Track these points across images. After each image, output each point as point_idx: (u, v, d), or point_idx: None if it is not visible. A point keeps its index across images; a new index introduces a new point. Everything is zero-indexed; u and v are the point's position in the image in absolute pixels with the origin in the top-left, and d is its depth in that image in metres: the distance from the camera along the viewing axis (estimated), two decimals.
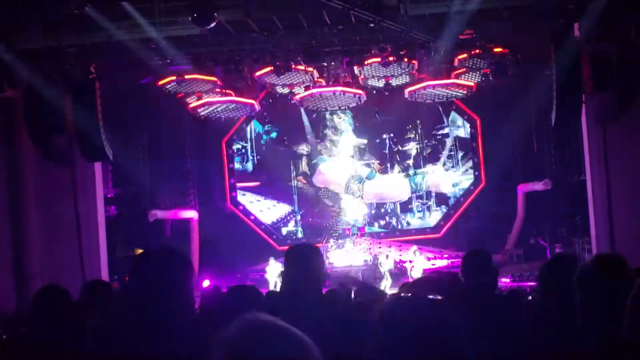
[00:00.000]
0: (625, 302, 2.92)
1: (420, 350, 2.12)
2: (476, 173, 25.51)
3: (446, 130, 25.89)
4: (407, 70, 18.79)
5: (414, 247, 22.25)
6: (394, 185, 25.98)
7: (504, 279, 18.69)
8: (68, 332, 4.23)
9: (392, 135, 25.95)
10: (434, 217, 25.74)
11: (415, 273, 20.56)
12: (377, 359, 2.21)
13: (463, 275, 5.69)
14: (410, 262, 21.54)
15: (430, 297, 2.30)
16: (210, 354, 1.99)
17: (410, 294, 2.34)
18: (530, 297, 8.48)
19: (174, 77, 18.70)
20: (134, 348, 2.77)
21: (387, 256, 21.74)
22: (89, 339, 3.19)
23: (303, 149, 26.34)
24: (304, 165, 26.43)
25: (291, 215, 26.27)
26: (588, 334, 3.03)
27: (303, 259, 4.18)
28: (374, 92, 21.48)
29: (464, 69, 19.07)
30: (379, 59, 18.08)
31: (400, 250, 23.90)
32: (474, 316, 3.09)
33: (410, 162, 25.98)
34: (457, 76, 19.33)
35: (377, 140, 26.10)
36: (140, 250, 21.88)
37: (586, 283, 3.06)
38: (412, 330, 2.14)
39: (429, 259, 22.80)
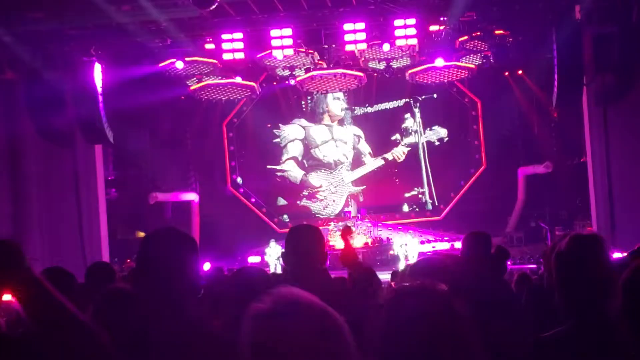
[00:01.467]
0: (601, 282, 2.95)
1: (427, 345, 2.12)
2: (477, 156, 25.49)
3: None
4: (407, 52, 18.74)
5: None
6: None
7: None
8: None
9: None
10: None
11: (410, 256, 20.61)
12: (379, 354, 2.20)
13: (463, 258, 5.69)
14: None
15: (436, 286, 2.28)
16: (240, 326, 1.99)
17: (413, 285, 2.31)
18: (533, 279, 8.49)
19: (174, 60, 18.67)
20: (142, 331, 2.78)
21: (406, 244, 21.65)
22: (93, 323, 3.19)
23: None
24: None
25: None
26: (565, 314, 3.05)
27: (303, 240, 4.17)
28: (375, 74, 21.48)
29: (465, 51, 19.01)
30: (379, 42, 18.04)
31: (399, 232, 23.93)
32: (471, 300, 3.11)
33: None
34: (459, 58, 19.28)
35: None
36: (141, 233, 21.96)
37: (561, 262, 3.08)
38: (418, 325, 2.14)
39: (429, 241, 22.83)
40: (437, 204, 25.72)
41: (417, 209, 25.85)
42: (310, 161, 26.26)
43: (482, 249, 5.47)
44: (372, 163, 26.06)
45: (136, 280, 3.07)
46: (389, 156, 25.90)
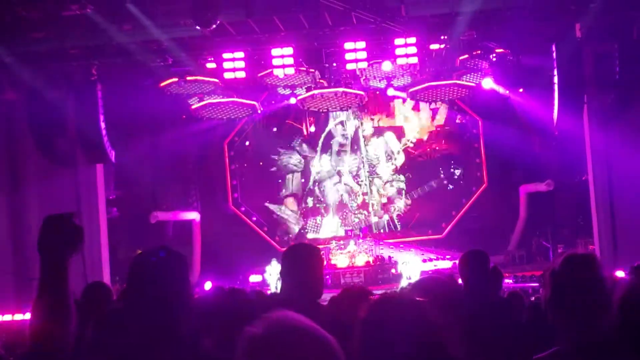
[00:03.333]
0: (596, 302, 2.93)
1: (404, 352, 2.11)
2: (478, 174, 25.48)
3: None
4: (408, 70, 18.79)
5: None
6: None
7: (506, 280, 18.63)
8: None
9: None
10: None
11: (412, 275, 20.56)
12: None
13: (460, 277, 5.67)
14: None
15: (415, 298, 2.28)
16: (235, 351, 1.97)
17: (389, 295, 2.31)
18: (533, 299, 8.45)
19: (175, 79, 18.71)
20: (134, 354, 2.76)
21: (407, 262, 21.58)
22: (86, 347, 3.17)
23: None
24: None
25: None
26: (561, 334, 3.03)
27: (301, 260, 4.11)
28: (377, 92, 21.55)
29: (466, 70, 19.05)
30: (380, 60, 18.10)
31: (401, 250, 23.88)
32: (470, 319, 3.08)
33: None
34: (459, 76, 19.32)
35: None
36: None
37: (556, 282, 3.06)
38: (395, 331, 2.13)
39: (431, 259, 22.77)
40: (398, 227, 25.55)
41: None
42: (309, 197, 26.02)
43: (479, 267, 5.46)
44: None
45: (126, 300, 3.06)
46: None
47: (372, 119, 25.67)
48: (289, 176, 25.93)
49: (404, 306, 2.19)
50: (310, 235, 25.50)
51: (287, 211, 25.82)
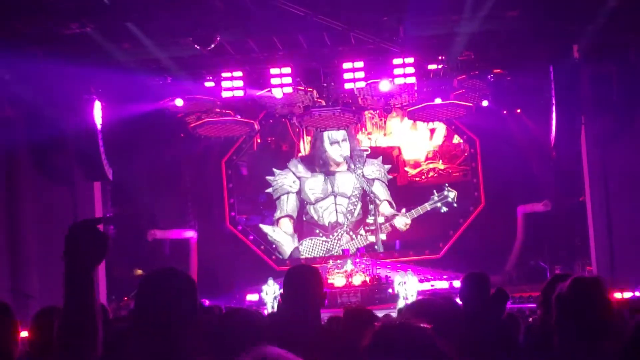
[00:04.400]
0: (602, 325, 2.93)
1: None
2: (475, 194, 25.47)
3: None
4: (406, 90, 18.84)
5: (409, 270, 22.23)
6: None
7: None
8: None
9: None
10: None
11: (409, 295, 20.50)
12: None
13: (460, 299, 5.66)
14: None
15: (419, 324, 2.27)
16: None
17: (397, 321, 2.29)
18: (530, 319, 8.43)
19: (174, 97, 18.76)
20: None
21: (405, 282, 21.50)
22: None
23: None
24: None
25: None
26: (563, 353, 3.02)
27: (301, 282, 4.11)
28: (375, 111, 21.61)
29: (463, 90, 19.11)
30: (378, 80, 18.16)
31: (397, 271, 23.81)
32: (470, 341, 3.07)
33: None
34: (457, 97, 19.38)
35: None
36: (139, 271, 21.86)
37: (562, 304, 3.05)
38: (402, 358, 2.11)
39: (428, 279, 22.71)
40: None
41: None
42: (306, 216, 25.99)
43: (480, 290, 5.45)
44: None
45: (134, 321, 3.04)
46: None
47: (370, 139, 25.67)
48: (284, 197, 25.85)
49: (410, 333, 2.18)
50: (304, 255, 25.45)
51: (281, 233, 25.69)
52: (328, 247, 25.57)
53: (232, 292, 22.37)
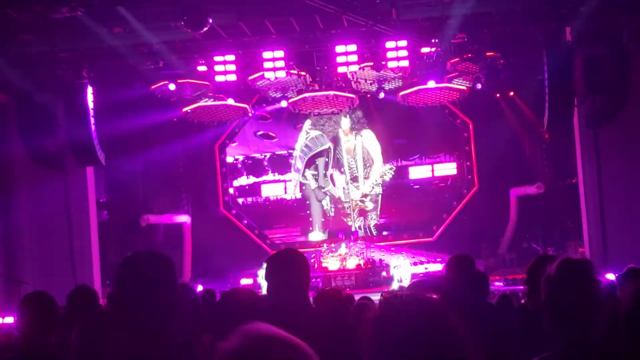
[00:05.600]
0: (590, 307, 2.95)
1: (420, 352, 2.09)
2: (469, 177, 25.53)
3: None
4: (399, 74, 18.82)
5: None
6: None
7: (497, 283, 18.68)
8: (54, 342, 4.21)
9: None
10: None
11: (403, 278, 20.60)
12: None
13: (447, 281, 5.69)
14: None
15: (429, 297, 2.26)
16: None
17: (405, 294, 2.29)
18: (523, 301, 8.47)
19: (166, 82, 18.69)
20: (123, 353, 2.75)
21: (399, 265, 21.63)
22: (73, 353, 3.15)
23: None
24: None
25: None
26: (554, 338, 3.04)
27: (286, 266, 4.04)
28: (368, 95, 21.58)
29: (457, 73, 19.09)
30: (371, 63, 18.13)
31: (392, 253, 23.88)
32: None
33: None
34: (450, 80, 19.36)
35: None
36: None
37: (550, 284, 3.07)
38: (412, 330, 2.11)
39: (421, 262, 22.78)
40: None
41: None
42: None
43: (465, 272, 5.48)
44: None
45: (114, 304, 3.04)
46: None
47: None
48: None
49: (421, 304, 2.17)
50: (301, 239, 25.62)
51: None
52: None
53: (226, 277, 22.42)
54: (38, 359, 4.21)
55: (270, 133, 25.65)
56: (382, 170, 25.74)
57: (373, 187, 25.85)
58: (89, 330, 3.06)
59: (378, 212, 25.96)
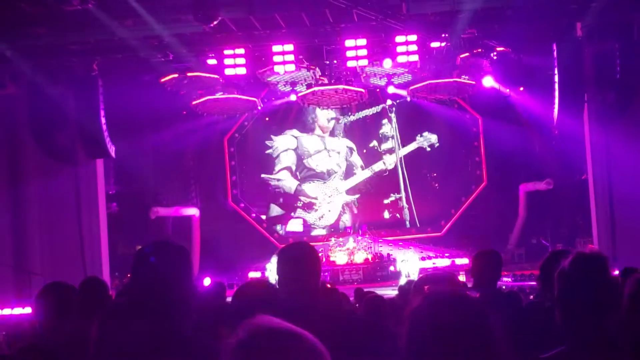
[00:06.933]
0: (604, 302, 2.94)
1: (459, 349, 2.11)
2: (478, 172, 25.50)
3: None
4: (409, 68, 18.78)
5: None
6: None
7: (505, 279, 18.68)
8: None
9: None
10: None
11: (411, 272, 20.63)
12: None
13: (473, 275, 5.71)
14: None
15: (469, 296, 2.27)
16: (220, 356, 1.98)
17: (444, 291, 2.29)
18: (531, 297, 8.47)
19: (176, 75, 18.71)
20: (138, 349, 2.77)
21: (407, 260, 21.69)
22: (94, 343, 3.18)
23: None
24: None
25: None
26: (565, 330, 3.04)
27: (297, 259, 4.04)
28: (377, 90, 21.56)
29: (467, 68, 19.04)
30: (380, 57, 18.11)
31: (400, 248, 23.90)
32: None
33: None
34: (460, 75, 19.32)
35: None
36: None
37: (564, 279, 3.06)
38: (454, 327, 2.12)
39: (429, 257, 22.80)
40: (417, 222, 25.65)
41: (398, 215, 25.79)
42: (303, 171, 26.24)
43: (493, 268, 5.51)
44: (363, 174, 26.12)
45: (131, 294, 3.07)
46: (377, 166, 25.97)
47: None
48: (283, 153, 26.18)
49: (461, 300, 2.18)
50: (315, 232, 25.68)
51: (281, 174, 26.18)
52: (326, 189, 26.18)
53: (235, 269, 22.47)
54: (56, 348, 4.25)
55: None
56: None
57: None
58: (109, 322, 3.09)
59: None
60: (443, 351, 2.10)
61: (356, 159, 26.32)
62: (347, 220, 25.89)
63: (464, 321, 2.12)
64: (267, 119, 25.75)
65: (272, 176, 26.14)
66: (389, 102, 24.79)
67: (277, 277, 4.04)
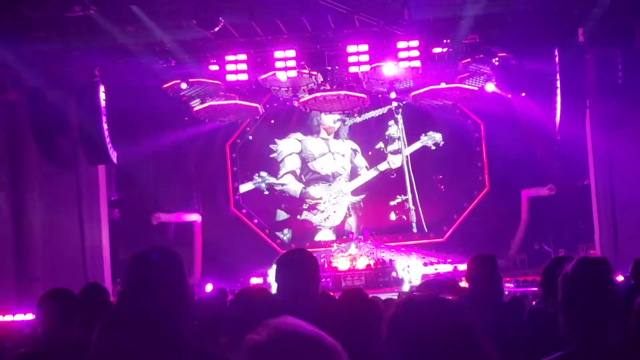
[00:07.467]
0: (607, 306, 2.93)
1: (437, 351, 2.09)
2: (480, 178, 25.47)
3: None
4: (411, 74, 18.79)
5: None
6: None
7: (507, 284, 18.63)
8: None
9: None
10: None
11: (414, 278, 20.63)
12: None
13: (467, 280, 5.67)
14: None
15: (448, 299, 2.26)
16: (237, 357, 1.97)
17: (424, 294, 2.29)
18: (534, 303, 8.45)
19: (178, 80, 18.72)
20: (137, 355, 2.76)
21: (409, 266, 21.67)
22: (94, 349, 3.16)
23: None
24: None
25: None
26: (568, 335, 3.03)
27: (295, 266, 4.04)
28: (379, 95, 21.56)
29: (468, 73, 19.05)
30: (383, 63, 18.11)
31: (402, 254, 23.87)
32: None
33: None
34: (462, 80, 19.32)
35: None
36: None
37: (567, 284, 3.05)
38: (429, 330, 2.11)
39: (432, 263, 22.76)
40: (424, 225, 25.61)
41: (405, 217, 25.74)
42: (308, 174, 26.21)
43: (487, 271, 5.46)
44: (369, 174, 26.10)
45: (123, 302, 3.05)
46: (383, 166, 25.95)
47: None
48: (287, 157, 26.15)
49: (436, 304, 2.17)
50: (318, 237, 25.65)
51: (286, 178, 26.12)
52: (331, 190, 26.11)
53: (237, 276, 22.44)
54: (57, 354, 4.25)
55: None
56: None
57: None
58: (109, 329, 3.07)
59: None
60: (422, 355, 2.09)
61: (360, 161, 26.26)
62: (352, 222, 25.83)
63: (440, 325, 2.11)
64: (272, 121, 25.71)
65: (277, 180, 26.11)
66: (394, 103, 24.81)
67: (275, 283, 4.04)
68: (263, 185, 25.99)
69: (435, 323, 2.10)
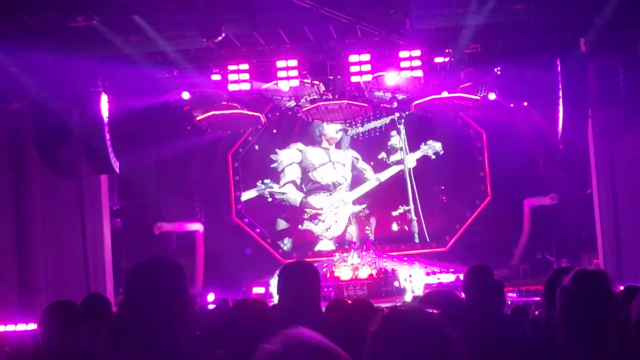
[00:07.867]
0: (605, 318, 2.93)
1: None
2: (482, 187, 25.46)
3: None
4: (413, 83, 18.81)
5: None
6: None
7: (510, 294, 18.60)
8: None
9: None
10: None
11: (416, 288, 20.60)
12: None
13: (463, 292, 5.66)
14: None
15: (427, 310, 2.27)
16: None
17: (404, 308, 2.30)
18: (537, 313, 8.43)
19: (180, 90, 18.77)
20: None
21: (411, 275, 21.66)
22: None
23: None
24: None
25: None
26: (567, 348, 3.02)
27: (296, 278, 4.07)
28: (381, 105, 21.57)
29: (470, 83, 19.06)
30: (385, 73, 18.14)
31: (404, 263, 23.84)
32: (474, 334, 3.06)
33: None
34: (464, 90, 19.33)
35: None
36: None
37: (565, 297, 3.05)
38: (409, 343, 2.12)
39: (434, 273, 22.73)
40: (426, 235, 25.59)
41: (407, 228, 25.73)
42: (309, 184, 26.21)
43: (480, 282, 5.46)
44: (372, 181, 26.09)
45: (125, 312, 3.06)
46: (384, 176, 25.94)
47: None
48: (288, 167, 26.15)
49: (418, 317, 2.18)
50: (318, 247, 25.61)
51: (286, 188, 26.08)
52: (332, 200, 26.09)
53: (239, 285, 22.44)
54: None
55: None
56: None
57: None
58: (111, 340, 3.08)
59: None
60: None
61: (364, 165, 26.27)
62: (353, 232, 25.83)
63: (418, 337, 2.11)
64: (274, 131, 25.73)
65: (277, 190, 26.12)
66: (397, 114, 24.83)
67: (277, 295, 4.06)
68: (266, 192, 26.02)
69: (413, 336, 2.11)
